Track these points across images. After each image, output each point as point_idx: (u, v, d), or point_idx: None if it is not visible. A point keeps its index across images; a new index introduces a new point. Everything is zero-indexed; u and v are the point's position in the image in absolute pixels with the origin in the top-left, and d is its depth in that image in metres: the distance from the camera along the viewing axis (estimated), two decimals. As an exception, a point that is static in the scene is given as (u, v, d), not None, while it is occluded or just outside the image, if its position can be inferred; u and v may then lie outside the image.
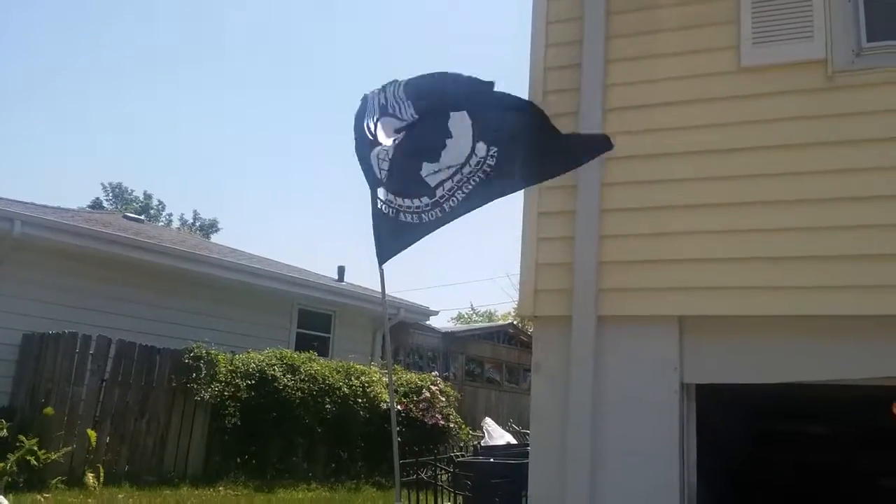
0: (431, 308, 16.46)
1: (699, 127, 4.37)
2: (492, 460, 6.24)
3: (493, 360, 20.08)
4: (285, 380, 10.77)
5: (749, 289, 4.03)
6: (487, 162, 5.76)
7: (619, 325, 4.22)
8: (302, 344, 13.48)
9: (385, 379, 12.23)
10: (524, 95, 4.84)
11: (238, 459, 10.36)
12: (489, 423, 8.49)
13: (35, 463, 8.48)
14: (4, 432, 8.71)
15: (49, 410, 8.94)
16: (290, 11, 63.65)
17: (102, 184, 43.34)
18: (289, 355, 11.39)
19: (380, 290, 7.04)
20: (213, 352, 10.55)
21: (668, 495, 3.96)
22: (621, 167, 4.44)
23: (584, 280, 4.29)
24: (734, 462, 5.91)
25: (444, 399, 12.70)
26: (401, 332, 15.96)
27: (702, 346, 4.13)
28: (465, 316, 44.03)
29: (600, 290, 4.26)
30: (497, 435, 8.12)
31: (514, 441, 8.14)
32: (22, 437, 8.43)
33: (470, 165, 5.73)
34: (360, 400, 11.56)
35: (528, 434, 10.65)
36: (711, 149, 4.31)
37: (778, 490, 6.36)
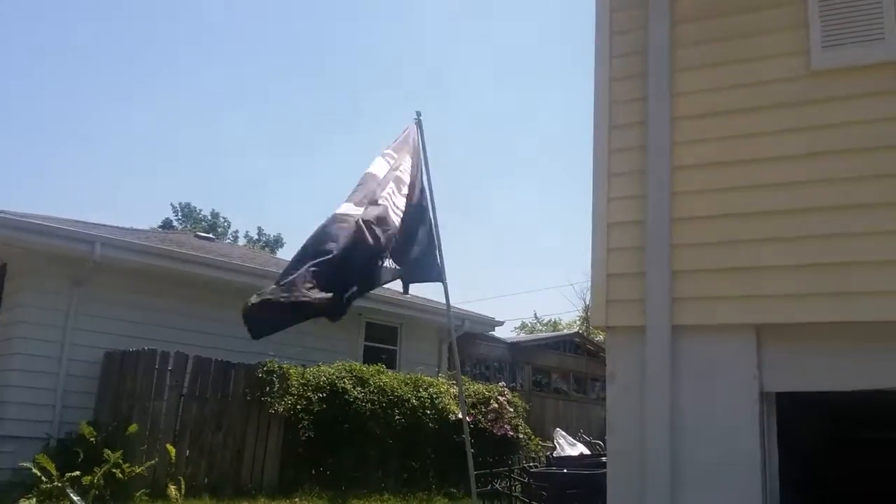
0: (496, 318, 16.45)
1: (770, 133, 4.33)
2: (565, 471, 6.25)
3: (559, 369, 19.97)
4: (355, 392, 10.93)
5: (828, 295, 3.98)
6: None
7: (694, 335, 4.20)
8: (370, 356, 13.65)
9: (453, 390, 12.31)
10: (590, 105, 4.89)
11: (312, 471, 10.56)
12: (561, 433, 8.47)
13: (120, 476, 8.85)
14: (93, 440, 9.11)
15: (133, 427, 9.28)
16: (358, 38, 64.64)
17: (172, 204, 44.61)
18: (358, 368, 11.56)
19: (444, 302, 7.23)
20: (285, 365, 10.79)
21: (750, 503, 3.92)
22: (690, 175, 4.43)
23: (657, 290, 4.29)
24: (816, 470, 5.78)
25: (511, 410, 12.70)
26: (466, 343, 16.01)
27: (781, 354, 4.08)
28: (529, 325, 43.87)
29: (674, 300, 4.26)
30: (569, 445, 8.09)
31: (586, 451, 8.09)
32: (108, 451, 8.82)
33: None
34: (428, 411, 11.66)
35: (599, 444, 10.62)
36: (783, 155, 4.27)
37: (861, 498, 6.19)
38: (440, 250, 6.76)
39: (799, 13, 4.38)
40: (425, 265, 6.69)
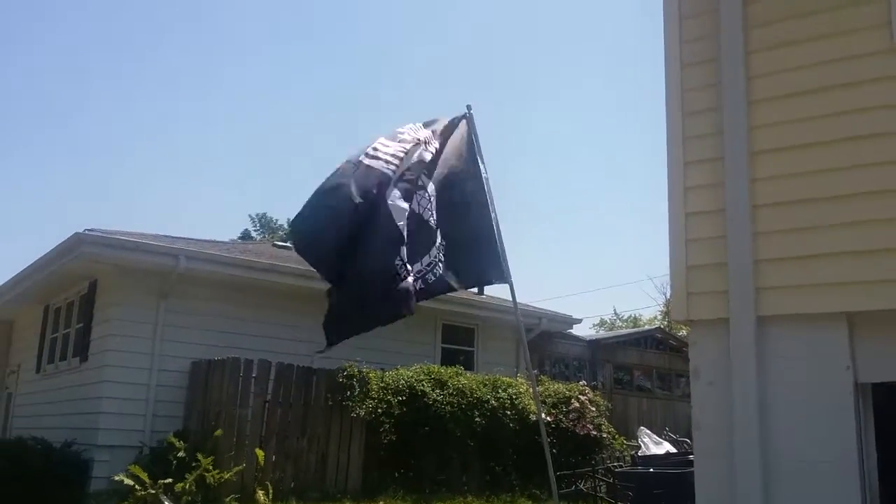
0: (574, 316, 16.24)
1: (851, 112, 4.12)
2: (651, 470, 6.10)
3: (641, 366, 19.59)
4: (434, 395, 10.94)
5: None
6: (440, 253, 6.01)
7: (781, 325, 4.03)
8: (447, 358, 13.65)
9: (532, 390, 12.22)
10: (661, 92, 4.76)
11: (395, 474, 10.62)
12: (645, 431, 8.28)
13: (211, 481, 9.09)
14: (183, 453, 9.41)
15: (219, 431, 9.52)
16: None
17: (249, 215, 45.79)
18: (436, 370, 11.57)
19: (522, 302, 7.14)
20: (364, 370, 10.89)
21: (849, 502, 3.73)
22: (770, 161, 4.26)
23: (739, 280, 4.13)
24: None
25: (593, 409, 12.49)
26: (544, 341, 15.86)
27: (877, 343, 3.88)
28: (609, 322, 43.28)
29: (758, 290, 4.09)
30: (654, 444, 7.91)
31: (672, 449, 7.88)
32: (199, 456, 9.08)
33: (432, 252, 5.97)
34: (508, 412, 11.58)
35: (686, 442, 10.36)
36: (867, 134, 4.05)
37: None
38: (503, 249, 6.59)
39: (879, -17, 4.15)
40: (488, 266, 6.55)
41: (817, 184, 4.12)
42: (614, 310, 46.02)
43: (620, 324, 42.20)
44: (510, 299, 7.07)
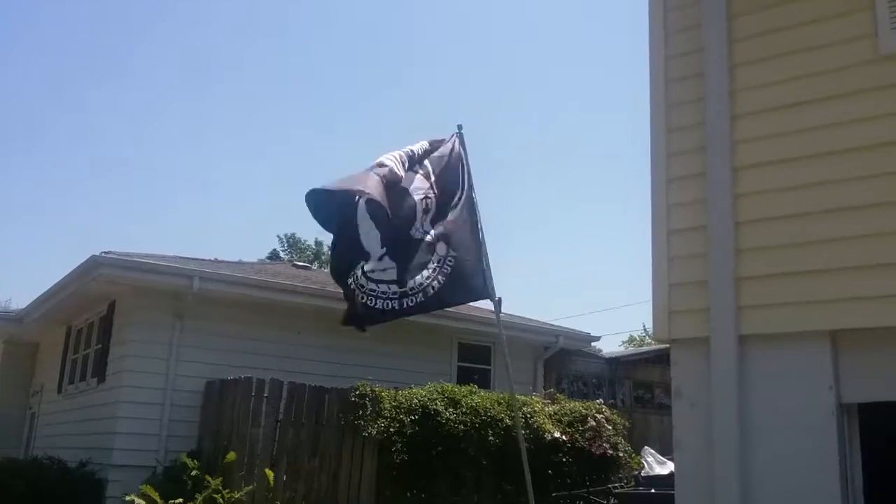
0: (592, 333, 16.09)
1: (839, 124, 4.06)
2: (653, 490, 6.01)
3: (663, 384, 19.25)
4: (447, 413, 10.86)
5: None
6: (447, 262, 6.21)
7: (762, 344, 3.95)
8: (463, 377, 13.55)
9: (548, 409, 12.10)
10: (645, 108, 4.74)
11: (407, 493, 10.54)
12: (650, 451, 8.18)
13: (221, 502, 9.11)
14: (196, 472, 9.45)
15: (231, 456, 9.51)
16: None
17: (278, 235, 46.09)
18: (449, 389, 11.49)
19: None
20: (377, 389, 10.85)
21: (834, 527, 3.63)
22: (753, 175, 4.20)
23: (721, 298, 4.06)
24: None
25: (610, 427, 12.33)
26: (562, 359, 15.72)
27: (861, 362, 3.78)
28: (639, 338, 42.79)
29: (740, 308, 4.02)
30: (658, 464, 7.81)
31: (678, 469, 7.80)
32: (208, 478, 9.10)
33: (434, 263, 6.18)
34: (523, 431, 11.46)
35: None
36: (854, 147, 3.99)
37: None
38: (489, 266, 6.70)
39: (863, -5, 4.09)
40: (478, 283, 6.64)
41: (801, 199, 4.05)
42: (644, 326, 45.42)
43: (650, 340, 41.69)
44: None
